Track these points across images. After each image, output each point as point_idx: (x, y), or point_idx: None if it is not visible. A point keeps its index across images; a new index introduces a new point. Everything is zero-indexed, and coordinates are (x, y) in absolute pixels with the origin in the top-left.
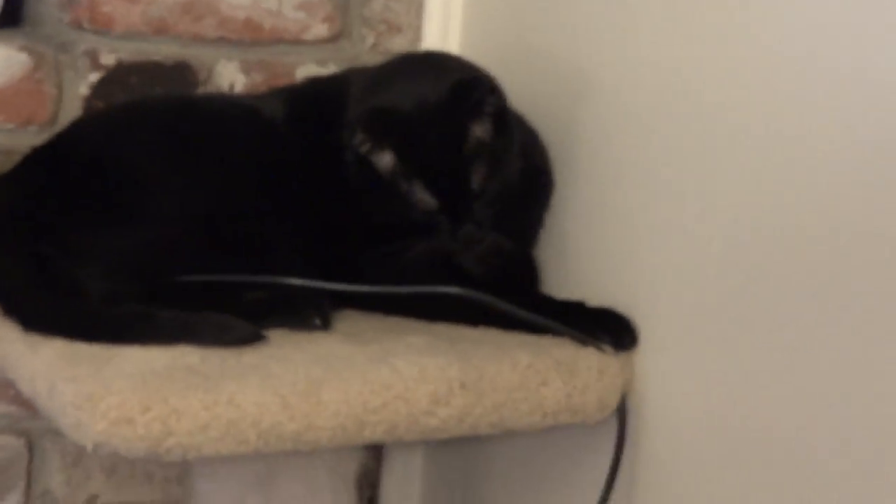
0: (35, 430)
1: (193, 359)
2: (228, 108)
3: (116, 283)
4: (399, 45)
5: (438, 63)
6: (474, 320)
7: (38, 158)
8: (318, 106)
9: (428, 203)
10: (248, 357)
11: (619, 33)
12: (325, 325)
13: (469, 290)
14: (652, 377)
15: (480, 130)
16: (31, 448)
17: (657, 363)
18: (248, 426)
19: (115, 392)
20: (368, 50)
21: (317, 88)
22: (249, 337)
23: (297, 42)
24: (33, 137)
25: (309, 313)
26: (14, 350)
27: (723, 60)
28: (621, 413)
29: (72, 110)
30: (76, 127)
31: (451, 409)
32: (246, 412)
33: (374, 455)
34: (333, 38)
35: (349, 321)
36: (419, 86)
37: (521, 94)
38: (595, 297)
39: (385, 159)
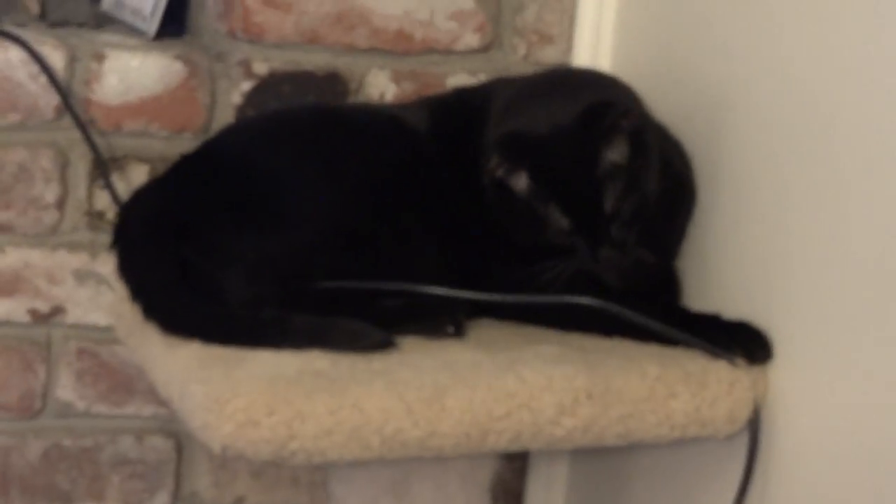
0: (184, 432)
1: (323, 363)
2: (373, 118)
3: (257, 287)
4: (550, 55)
5: (578, 83)
6: (608, 331)
7: (187, 164)
8: (461, 117)
9: (562, 225)
10: (377, 363)
11: (763, 45)
12: (459, 332)
13: (602, 300)
14: (786, 391)
15: (614, 153)
16: (179, 449)
17: (792, 377)
18: (372, 432)
19: (243, 395)
20: (520, 60)
21: (461, 99)
22: (381, 343)
23: (448, 52)
24: (187, 144)
25: (443, 321)
26: (153, 352)
27: (866, 70)
28: (753, 427)
29: (224, 118)
30: (225, 134)
31: (576, 420)
32: (370, 417)
33: (519, 464)
34: (485, 48)
35: (483, 330)
36: (554, 108)
37: (667, 105)
38: (733, 309)
39: (521, 182)
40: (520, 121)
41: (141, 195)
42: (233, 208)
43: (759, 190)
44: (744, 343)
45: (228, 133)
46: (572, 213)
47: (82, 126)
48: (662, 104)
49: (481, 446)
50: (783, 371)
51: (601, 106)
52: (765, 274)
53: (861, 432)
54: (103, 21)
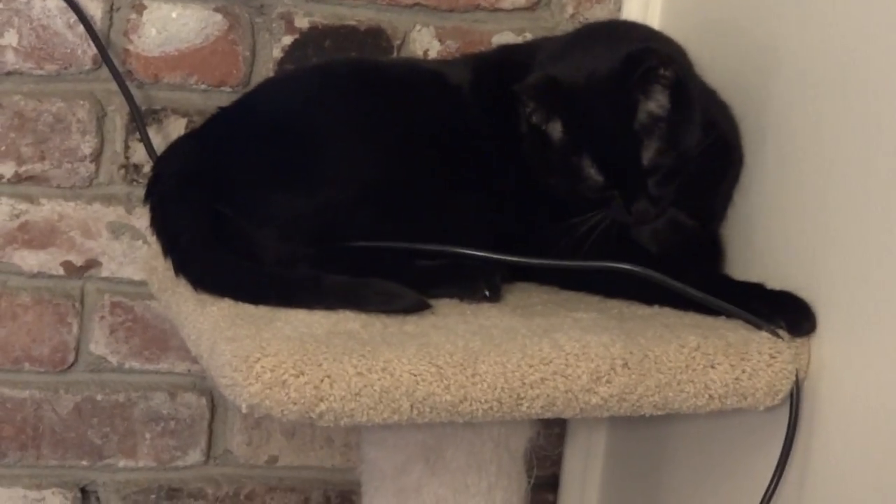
0: (217, 390)
1: (355, 325)
2: (414, 74)
3: (292, 245)
4: (599, 14)
5: (621, 33)
6: (648, 298)
7: (224, 118)
8: (504, 74)
9: (596, 179)
10: (409, 326)
11: (814, 8)
12: (495, 296)
13: (642, 267)
14: (829, 364)
15: (653, 104)
16: (212, 407)
17: (835, 350)
18: (402, 395)
19: (271, 354)
20: (567, 19)
21: (504, 56)
22: (415, 305)
23: (494, 10)
24: (226, 98)
25: (479, 284)
26: (185, 308)
27: None
28: (794, 399)
29: (264, 72)
30: (264, 89)
31: (611, 388)
32: (400, 380)
33: (558, 431)
34: (531, 7)
35: (521, 294)
36: (594, 57)
37: (716, 68)
38: (778, 279)
39: (556, 130)
40: (558, 67)
41: (176, 148)
42: (269, 164)
43: (806, 158)
44: (787, 314)
45: (267, 88)
46: (607, 168)
47: (119, 77)
48: (712, 67)
49: (514, 412)
50: (826, 344)
51: (641, 53)
52: (810, 244)
53: None
54: None
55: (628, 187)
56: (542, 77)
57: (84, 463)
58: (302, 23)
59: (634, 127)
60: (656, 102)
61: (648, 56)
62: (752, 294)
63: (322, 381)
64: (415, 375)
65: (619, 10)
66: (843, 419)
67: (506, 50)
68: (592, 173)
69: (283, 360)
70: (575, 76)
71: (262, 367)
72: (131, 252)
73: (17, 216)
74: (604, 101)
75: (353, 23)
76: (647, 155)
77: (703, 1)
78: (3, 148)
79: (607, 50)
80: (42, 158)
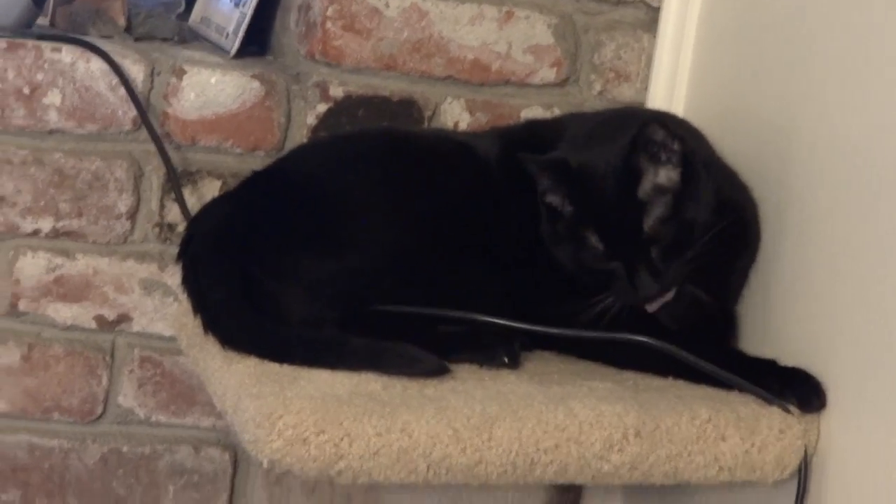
0: (240, 446)
1: (376, 386)
2: (444, 145)
3: (318, 307)
4: (626, 93)
5: (637, 116)
6: (662, 370)
7: (257, 181)
8: (531, 149)
9: (597, 247)
10: (429, 389)
11: (831, 97)
12: (513, 363)
13: (659, 340)
14: (838, 442)
15: (661, 176)
16: (235, 463)
17: (845, 428)
18: (419, 456)
19: (293, 412)
20: (595, 96)
21: (532, 131)
22: (435, 370)
23: (523, 85)
24: (260, 163)
25: (498, 351)
26: (212, 364)
27: None
28: (802, 474)
29: (298, 139)
30: (297, 154)
31: (623, 456)
32: (417, 441)
33: (573, 497)
34: (560, 83)
35: (539, 362)
36: (610, 140)
37: (737, 151)
38: (790, 356)
39: (567, 207)
40: (573, 150)
41: (210, 209)
42: (299, 228)
43: (819, 240)
44: (798, 390)
45: (300, 153)
46: (607, 235)
47: (157, 139)
48: (733, 149)
49: (528, 477)
50: (836, 421)
51: (650, 126)
52: (822, 323)
53: None
54: (188, 37)
55: (629, 256)
56: (553, 157)
57: None
58: (336, 92)
59: (638, 195)
60: (664, 175)
61: (659, 128)
62: (764, 370)
63: (342, 439)
64: (432, 437)
65: (645, 89)
66: (850, 496)
67: (533, 125)
68: (594, 241)
69: (305, 418)
70: (587, 155)
71: (285, 423)
72: (162, 308)
73: (53, 270)
74: (610, 173)
75: (386, 93)
76: (649, 222)
77: (726, 86)
78: (43, 203)
79: (621, 130)
80: (79, 215)
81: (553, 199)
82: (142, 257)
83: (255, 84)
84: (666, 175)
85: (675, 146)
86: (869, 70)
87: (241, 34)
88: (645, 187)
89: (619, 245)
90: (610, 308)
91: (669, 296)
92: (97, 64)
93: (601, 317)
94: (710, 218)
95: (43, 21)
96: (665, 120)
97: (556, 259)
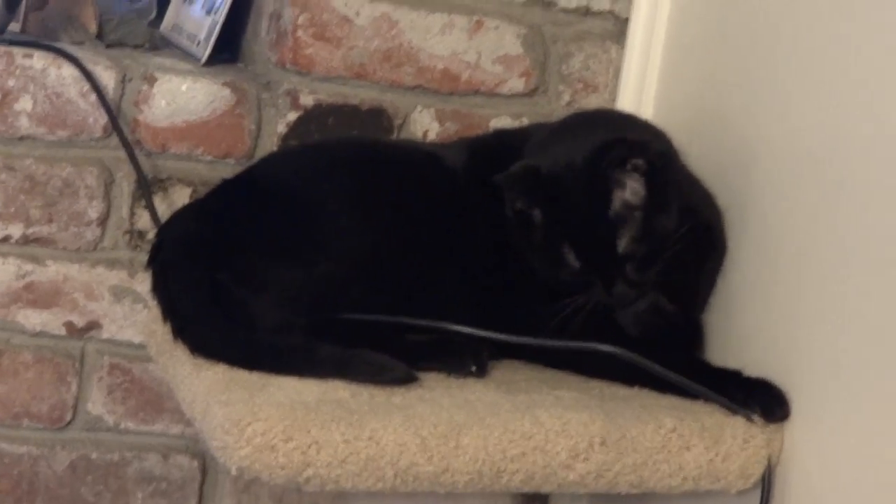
0: (209, 453)
1: (344, 394)
2: (413, 155)
3: (287, 314)
4: (594, 103)
5: (603, 122)
6: (628, 379)
7: (228, 189)
8: (497, 158)
9: (574, 265)
10: (396, 397)
11: (795, 106)
12: (481, 372)
13: (623, 349)
14: (801, 451)
15: (628, 193)
16: (204, 470)
17: (808, 437)
18: (386, 464)
19: (262, 419)
20: (564, 106)
21: (500, 141)
22: (403, 378)
23: (492, 94)
24: (230, 170)
25: (466, 360)
26: (181, 371)
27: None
28: (765, 484)
29: (268, 146)
30: (267, 162)
31: (589, 465)
32: (385, 450)
33: None
34: (529, 93)
35: (506, 371)
36: (574, 146)
37: (703, 159)
38: (755, 366)
39: (537, 216)
40: (540, 156)
41: (179, 217)
42: (269, 236)
43: (781, 248)
44: (762, 401)
45: (270, 161)
46: (584, 255)
47: (128, 146)
48: (699, 157)
49: (494, 485)
50: (799, 431)
51: (613, 143)
52: (785, 333)
53: (874, 496)
54: (159, 44)
55: (606, 273)
56: (522, 167)
57: None
58: (307, 100)
59: (609, 216)
60: (631, 190)
61: (620, 145)
62: (729, 380)
63: (310, 446)
64: (399, 445)
65: (613, 100)
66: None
67: (500, 135)
68: (571, 259)
69: (274, 425)
70: (554, 165)
71: (253, 430)
72: (132, 315)
73: (23, 276)
74: (580, 190)
75: (356, 102)
76: (622, 243)
77: (693, 96)
78: (13, 209)
79: (586, 139)
80: (50, 221)
81: (525, 211)
82: (112, 264)
83: (226, 92)
84: (632, 190)
85: (641, 161)
86: (831, 79)
87: (212, 41)
88: (615, 206)
89: (595, 263)
90: (582, 307)
91: (641, 303)
92: (68, 70)
93: (573, 317)
94: (677, 225)
95: (14, 27)
96: (631, 130)
97: (523, 267)
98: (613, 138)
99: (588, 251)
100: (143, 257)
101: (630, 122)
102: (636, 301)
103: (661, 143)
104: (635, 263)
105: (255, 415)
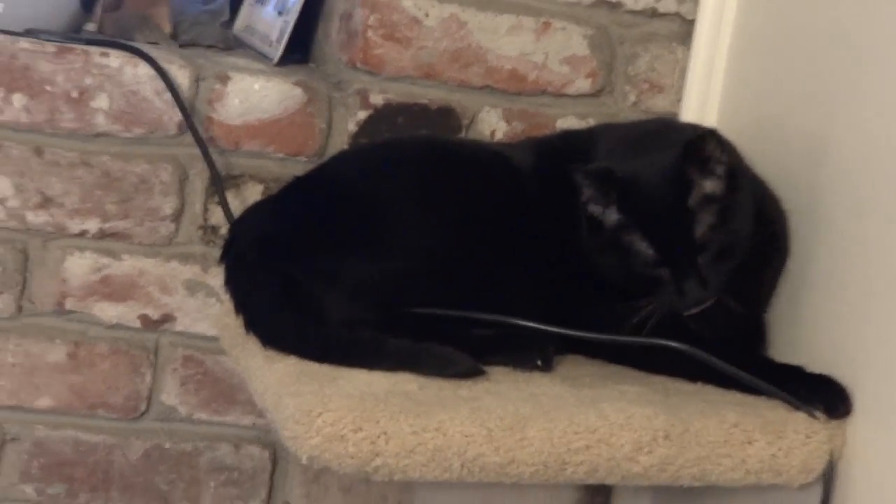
0: (279, 443)
1: (412, 386)
2: (480, 154)
3: (357, 309)
4: (660, 104)
5: (678, 128)
6: (692, 375)
7: (299, 186)
8: (564, 158)
9: (647, 253)
10: (464, 389)
11: (862, 106)
12: (546, 366)
13: (689, 346)
14: (863, 447)
15: (708, 185)
16: (274, 460)
17: (871, 434)
18: (454, 454)
19: (332, 410)
20: (629, 107)
21: (566, 142)
22: (470, 371)
23: (559, 95)
24: (301, 168)
25: (532, 354)
26: (253, 363)
27: None
28: (827, 479)
29: (339, 145)
30: (337, 160)
31: (652, 458)
32: (452, 440)
33: (602, 499)
34: (596, 94)
35: (571, 365)
36: (652, 147)
37: (768, 161)
38: (817, 362)
39: (611, 216)
40: (617, 159)
41: (252, 213)
42: (339, 232)
43: (846, 249)
44: (825, 397)
45: (341, 159)
46: (658, 242)
47: (202, 143)
48: (764, 159)
49: (559, 477)
50: (862, 427)
51: (700, 138)
52: (849, 331)
53: None
54: (232, 45)
55: (679, 262)
56: (597, 168)
57: None
58: (377, 99)
59: (689, 203)
60: (712, 184)
61: (708, 140)
62: (791, 376)
63: (379, 437)
64: (466, 437)
65: (678, 100)
66: (874, 500)
67: (567, 136)
68: (643, 247)
69: (343, 415)
70: (632, 165)
71: (323, 421)
72: (205, 309)
73: (100, 270)
74: (660, 183)
75: (425, 101)
76: (700, 229)
77: (758, 97)
78: (90, 205)
79: (665, 141)
80: (125, 216)
81: (595, 208)
82: (185, 259)
83: (298, 91)
84: (713, 186)
85: (724, 158)
86: (889, 78)
87: (284, 42)
88: (695, 197)
89: (669, 251)
90: (649, 317)
91: (709, 304)
92: (144, 69)
93: (640, 326)
94: (751, 229)
95: (91, 27)
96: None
97: (590, 266)
98: (699, 134)
99: (664, 237)
100: (216, 252)
101: (701, 129)
102: (704, 303)
103: (733, 152)
104: (708, 257)
105: (326, 405)
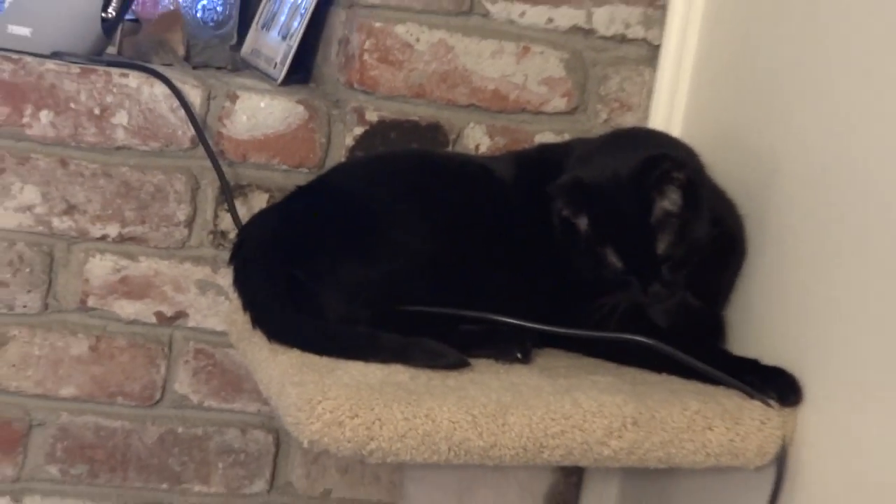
0: (282, 428)
1: (404, 377)
2: (466, 166)
3: (353, 307)
4: (629, 121)
5: (642, 140)
6: (658, 367)
7: (301, 195)
8: (541, 169)
9: (616, 266)
10: (451, 380)
11: (812, 121)
12: (526, 359)
13: (655, 340)
14: (813, 432)
15: (667, 202)
16: (277, 444)
17: (819, 420)
18: (441, 439)
19: (331, 398)
20: (601, 124)
21: (543, 154)
22: (457, 363)
23: (537, 112)
24: (303, 178)
25: (512, 347)
26: (259, 356)
27: None
28: (780, 461)
29: (337, 157)
30: (336, 171)
31: (622, 442)
32: (440, 426)
33: (575, 479)
34: (571, 111)
35: (548, 358)
36: (617, 160)
37: (728, 170)
38: (771, 355)
39: (583, 223)
40: (586, 169)
41: (258, 219)
42: (337, 237)
43: (799, 251)
44: (778, 386)
45: (339, 170)
46: (626, 256)
47: (213, 156)
48: (724, 168)
49: (537, 459)
50: (811, 414)
51: (657, 158)
52: (800, 326)
53: (881, 476)
54: (240, 66)
55: (644, 273)
56: (571, 179)
57: (164, 486)
58: (372, 116)
59: (650, 222)
60: (670, 200)
61: (663, 160)
62: (747, 368)
63: (373, 423)
64: (453, 422)
65: (646, 118)
66: (823, 480)
67: (544, 149)
68: (614, 261)
69: (341, 403)
70: (600, 177)
71: (323, 408)
72: (215, 306)
73: (119, 271)
74: (624, 199)
75: (415, 118)
76: (661, 246)
77: (717, 115)
78: (110, 212)
79: (628, 154)
80: (143, 222)
81: (572, 218)
82: (197, 260)
83: (300, 108)
84: (671, 200)
85: (681, 175)
86: (840, 101)
87: (287, 64)
88: (656, 214)
89: (635, 264)
90: (616, 306)
91: (673, 300)
92: (160, 88)
93: (609, 315)
94: (707, 232)
95: (111, 50)
96: (668, 148)
97: (565, 267)
98: (657, 154)
99: (630, 252)
100: (225, 255)
101: (664, 139)
102: (668, 300)
103: (692, 158)
104: (670, 265)
105: (325, 394)
